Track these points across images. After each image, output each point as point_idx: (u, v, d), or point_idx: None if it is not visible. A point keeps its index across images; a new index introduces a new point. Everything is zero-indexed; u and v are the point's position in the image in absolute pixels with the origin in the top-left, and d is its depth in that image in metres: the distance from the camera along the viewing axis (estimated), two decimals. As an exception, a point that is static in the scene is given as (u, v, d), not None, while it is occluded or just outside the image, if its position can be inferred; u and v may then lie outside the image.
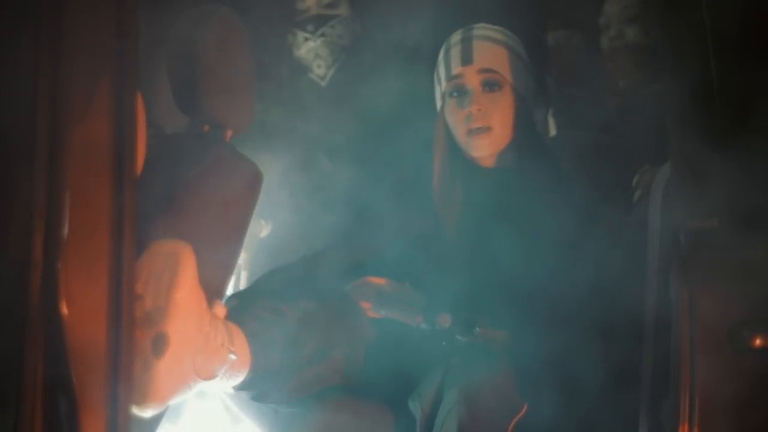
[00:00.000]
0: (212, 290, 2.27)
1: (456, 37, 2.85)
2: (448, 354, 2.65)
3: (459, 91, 2.79)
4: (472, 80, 2.77)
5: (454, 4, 3.41)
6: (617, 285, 2.53)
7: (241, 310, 2.54)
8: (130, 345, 1.85)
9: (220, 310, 2.30)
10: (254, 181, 2.51)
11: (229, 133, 2.56)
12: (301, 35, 3.25)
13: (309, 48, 3.25)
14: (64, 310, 1.76)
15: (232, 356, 2.27)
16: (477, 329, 2.66)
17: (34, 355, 1.75)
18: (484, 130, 2.75)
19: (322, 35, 3.24)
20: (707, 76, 2.18)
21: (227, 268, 2.47)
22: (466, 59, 2.78)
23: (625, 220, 2.63)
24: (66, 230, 1.77)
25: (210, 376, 2.21)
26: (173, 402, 2.13)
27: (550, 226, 2.69)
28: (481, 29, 2.83)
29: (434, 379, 2.59)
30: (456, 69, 2.79)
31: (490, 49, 2.78)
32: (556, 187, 2.75)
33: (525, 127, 2.80)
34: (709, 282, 2.12)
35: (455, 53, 2.81)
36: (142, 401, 2.03)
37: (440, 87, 2.85)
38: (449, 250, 2.82)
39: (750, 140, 2.15)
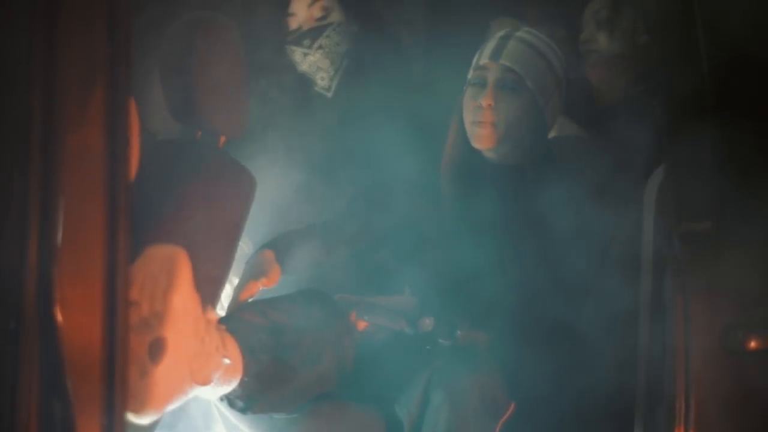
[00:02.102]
0: (205, 296, 2.27)
1: (500, 33, 2.89)
2: (433, 357, 2.66)
3: (479, 82, 2.82)
4: (493, 76, 2.80)
5: None
6: (610, 286, 2.54)
7: (230, 315, 2.55)
8: (125, 351, 1.84)
9: (213, 315, 2.30)
10: (248, 187, 2.51)
11: (223, 139, 2.56)
12: (299, 51, 3.23)
13: (310, 62, 3.23)
14: (59, 316, 1.75)
15: (226, 361, 2.27)
16: (459, 332, 2.67)
17: (29, 362, 1.74)
18: (488, 125, 2.78)
19: (320, 47, 3.21)
20: (700, 79, 2.19)
21: (221, 274, 2.46)
22: (495, 55, 2.81)
23: (619, 223, 2.64)
24: (60, 236, 1.77)
25: (206, 382, 2.20)
26: (170, 408, 2.12)
27: (544, 227, 2.70)
28: (523, 32, 2.87)
29: (419, 383, 2.60)
30: (483, 60, 2.84)
31: (522, 52, 2.81)
32: (555, 189, 2.76)
33: (534, 133, 2.82)
34: (703, 284, 2.12)
35: (489, 46, 2.85)
36: (140, 408, 2.02)
37: (469, 73, 2.88)
38: (444, 239, 2.84)
39: (743, 143, 2.16)
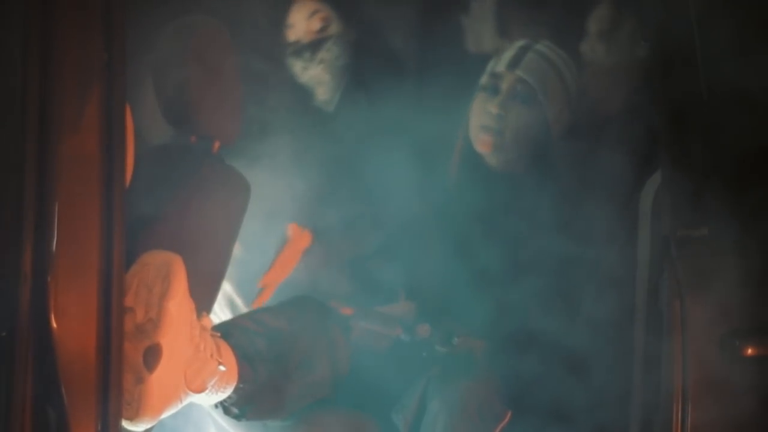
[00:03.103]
0: (200, 302, 2.26)
1: (519, 42, 2.90)
2: (429, 364, 2.66)
3: (492, 89, 2.83)
4: (507, 85, 2.80)
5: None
6: (606, 294, 2.54)
7: (225, 322, 2.55)
8: (120, 358, 1.83)
9: (208, 321, 2.29)
10: (243, 193, 2.50)
11: (217, 144, 2.54)
12: (299, 64, 3.19)
13: (310, 76, 3.18)
14: (54, 323, 1.75)
15: (222, 367, 2.26)
16: (456, 339, 2.67)
17: (24, 369, 1.74)
18: (494, 132, 2.79)
19: (321, 62, 3.16)
20: (697, 85, 2.19)
21: (215, 280, 2.45)
22: (513, 64, 2.82)
23: (616, 230, 2.64)
24: (55, 243, 1.76)
25: (201, 389, 2.19)
26: (165, 416, 2.11)
27: (542, 235, 2.70)
28: (543, 46, 2.87)
29: (416, 390, 2.60)
30: (499, 68, 2.84)
31: (539, 65, 2.81)
32: (553, 198, 2.76)
33: (538, 145, 2.82)
34: (700, 291, 2.12)
35: (508, 55, 2.86)
36: (135, 415, 2.01)
37: (483, 78, 2.89)
38: (443, 246, 2.84)
39: (740, 150, 2.16)
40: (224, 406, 2.39)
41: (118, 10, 1.87)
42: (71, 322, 1.77)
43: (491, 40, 3.28)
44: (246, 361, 2.38)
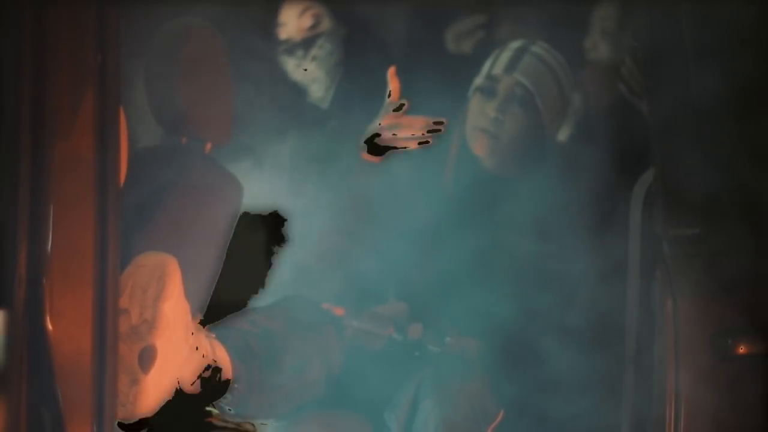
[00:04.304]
0: (194, 303, 2.26)
1: (516, 44, 2.88)
2: (422, 364, 2.66)
3: (488, 91, 2.82)
4: (505, 88, 2.80)
5: None
6: (597, 293, 2.55)
7: (219, 323, 2.55)
8: (115, 359, 1.84)
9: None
10: (235, 193, 2.51)
11: (209, 145, 2.55)
12: (292, 62, 3.19)
13: (303, 73, 3.18)
14: (49, 325, 1.75)
15: (216, 368, 2.28)
16: (448, 339, 2.67)
17: (20, 371, 1.74)
18: (490, 135, 2.79)
19: (314, 58, 3.17)
20: (689, 84, 2.20)
21: (209, 281, 2.46)
22: (510, 67, 2.81)
23: (607, 229, 2.65)
24: (50, 245, 1.76)
25: (196, 389, 2.20)
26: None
27: (533, 237, 2.71)
28: (539, 48, 2.85)
29: (409, 390, 2.60)
30: (496, 71, 2.83)
31: (536, 69, 2.80)
32: (547, 202, 2.77)
33: (534, 149, 2.82)
34: (692, 290, 2.13)
35: (504, 57, 2.84)
36: (129, 416, 2.02)
37: (478, 79, 2.88)
38: (436, 246, 2.84)
39: (733, 151, 2.17)
40: (219, 406, 2.39)
41: (112, 11, 1.87)
42: (66, 324, 1.77)
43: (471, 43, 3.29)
44: (240, 361, 2.38)
